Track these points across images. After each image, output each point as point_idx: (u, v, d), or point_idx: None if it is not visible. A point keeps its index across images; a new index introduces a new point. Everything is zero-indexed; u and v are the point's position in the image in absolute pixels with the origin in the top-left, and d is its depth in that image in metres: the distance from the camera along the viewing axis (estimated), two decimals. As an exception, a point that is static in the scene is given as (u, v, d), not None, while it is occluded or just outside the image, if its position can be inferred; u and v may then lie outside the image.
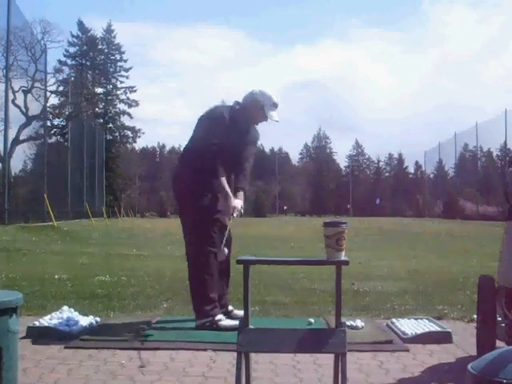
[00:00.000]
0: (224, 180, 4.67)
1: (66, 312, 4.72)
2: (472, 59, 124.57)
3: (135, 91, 60.33)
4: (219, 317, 4.59)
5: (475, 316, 4.03)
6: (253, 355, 3.02)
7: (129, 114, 59.84)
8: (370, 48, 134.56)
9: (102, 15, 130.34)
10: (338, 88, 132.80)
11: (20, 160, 27.68)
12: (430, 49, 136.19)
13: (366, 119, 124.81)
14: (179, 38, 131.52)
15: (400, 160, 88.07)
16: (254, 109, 4.78)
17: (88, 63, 59.62)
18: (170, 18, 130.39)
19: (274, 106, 4.80)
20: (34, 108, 28.19)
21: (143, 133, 61.61)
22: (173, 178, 4.97)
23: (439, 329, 4.45)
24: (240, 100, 4.88)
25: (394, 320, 4.81)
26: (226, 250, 4.65)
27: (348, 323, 4.30)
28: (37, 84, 28.49)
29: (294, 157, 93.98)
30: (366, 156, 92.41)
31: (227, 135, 4.65)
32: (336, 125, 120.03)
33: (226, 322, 4.58)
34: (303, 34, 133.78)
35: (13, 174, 25.23)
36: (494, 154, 44.42)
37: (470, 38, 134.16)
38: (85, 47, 59.40)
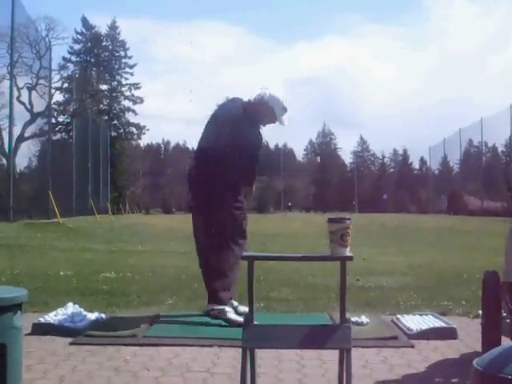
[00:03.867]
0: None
1: (71, 308, 4.72)
2: (474, 54, 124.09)
3: (139, 88, 60.45)
4: (229, 308, 4.64)
5: (480, 312, 4.02)
6: (257, 351, 3.02)
7: (133, 111, 59.97)
8: (371, 43, 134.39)
9: (104, 11, 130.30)
10: (340, 84, 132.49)
11: (25, 157, 27.80)
12: (432, 44, 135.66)
13: (368, 115, 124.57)
14: (180, 33, 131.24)
15: (405, 156, 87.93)
16: (263, 111, 4.83)
17: (92, 60, 59.66)
18: (169, 13, 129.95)
19: (284, 110, 4.87)
20: (39, 105, 28.28)
21: (148, 129, 61.75)
22: (189, 174, 4.98)
23: (444, 325, 4.44)
24: (250, 99, 4.92)
25: (398, 316, 4.81)
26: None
27: (353, 319, 4.29)
28: (41, 81, 28.59)
29: (299, 153, 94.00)
30: (371, 152, 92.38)
31: (242, 131, 4.69)
32: (339, 120, 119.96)
33: (235, 316, 4.60)
34: (304, 31, 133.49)
35: (17, 171, 25.31)
36: (499, 150, 44.36)
37: (472, 32, 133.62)
38: (89, 44, 59.45)
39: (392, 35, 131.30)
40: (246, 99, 4.98)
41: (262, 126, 4.99)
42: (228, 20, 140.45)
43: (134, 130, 60.88)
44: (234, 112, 4.85)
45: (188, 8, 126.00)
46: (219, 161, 4.71)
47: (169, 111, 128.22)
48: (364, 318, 4.59)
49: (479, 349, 3.69)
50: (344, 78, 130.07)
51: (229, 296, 4.69)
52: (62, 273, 7.55)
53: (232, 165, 4.73)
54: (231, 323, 4.45)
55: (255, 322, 2.86)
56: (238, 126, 4.72)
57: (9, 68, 22.80)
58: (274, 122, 4.88)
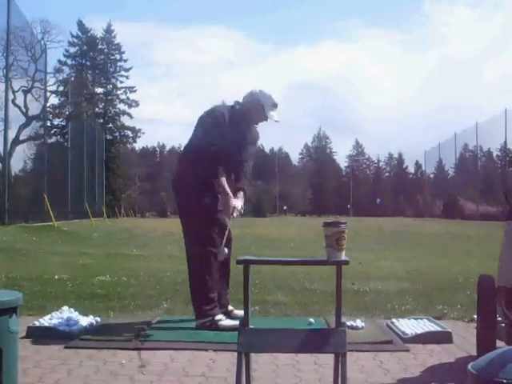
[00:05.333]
0: (224, 180, 4.65)
1: (66, 312, 4.72)
2: (472, 59, 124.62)
3: (135, 91, 60.41)
4: (219, 317, 4.59)
5: (475, 316, 4.03)
6: (253, 355, 3.02)
7: (129, 114, 59.91)
8: (370, 48, 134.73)
9: (101, 15, 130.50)
10: (338, 88, 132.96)
11: (20, 160, 27.65)
12: (431, 49, 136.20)
13: (366, 119, 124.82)
14: (180, 38, 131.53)
15: (400, 160, 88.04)
16: (254, 109, 4.77)
17: (88, 63, 59.62)
18: (170, 18, 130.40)
19: (274, 105, 4.80)
20: (34, 108, 28.19)
21: (143, 133, 61.68)
22: (173, 177, 4.96)
23: (439, 329, 4.45)
24: (240, 100, 4.88)
25: (394, 320, 4.81)
26: (227, 250, 4.57)
27: (348, 323, 4.30)
28: (37, 84, 28.51)
29: (294, 157, 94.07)
30: (366, 156, 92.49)
31: (227, 135, 4.64)
32: (336, 125, 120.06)
33: (226, 321, 4.58)
34: (304, 35, 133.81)
35: (13, 174, 25.22)
36: (494, 154, 44.43)
37: (470, 38, 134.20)
38: (85, 47, 59.40)
39: (391, 40, 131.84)
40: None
41: (255, 125, 4.96)
42: (227, 24, 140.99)
43: (129, 133, 60.83)
44: (216, 115, 4.80)
45: (188, 12, 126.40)
46: (199, 162, 4.67)
47: (165, 115, 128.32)
48: (359, 322, 4.60)
49: (474, 353, 3.70)
50: (342, 83, 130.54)
51: (214, 306, 4.60)
52: (57, 276, 7.53)
53: (211, 167, 4.66)
54: (226, 330, 4.43)
55: (250, 326, 2.86)
56: (221, 129, 4.64)
57: (4, 71, 22.74)
58: (266, 120, 4.81)
